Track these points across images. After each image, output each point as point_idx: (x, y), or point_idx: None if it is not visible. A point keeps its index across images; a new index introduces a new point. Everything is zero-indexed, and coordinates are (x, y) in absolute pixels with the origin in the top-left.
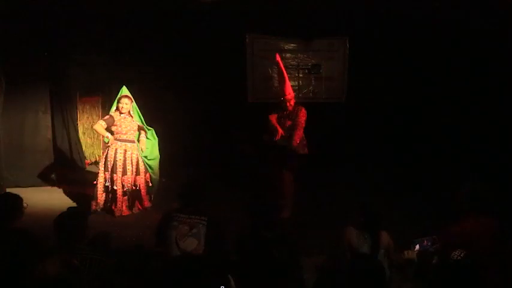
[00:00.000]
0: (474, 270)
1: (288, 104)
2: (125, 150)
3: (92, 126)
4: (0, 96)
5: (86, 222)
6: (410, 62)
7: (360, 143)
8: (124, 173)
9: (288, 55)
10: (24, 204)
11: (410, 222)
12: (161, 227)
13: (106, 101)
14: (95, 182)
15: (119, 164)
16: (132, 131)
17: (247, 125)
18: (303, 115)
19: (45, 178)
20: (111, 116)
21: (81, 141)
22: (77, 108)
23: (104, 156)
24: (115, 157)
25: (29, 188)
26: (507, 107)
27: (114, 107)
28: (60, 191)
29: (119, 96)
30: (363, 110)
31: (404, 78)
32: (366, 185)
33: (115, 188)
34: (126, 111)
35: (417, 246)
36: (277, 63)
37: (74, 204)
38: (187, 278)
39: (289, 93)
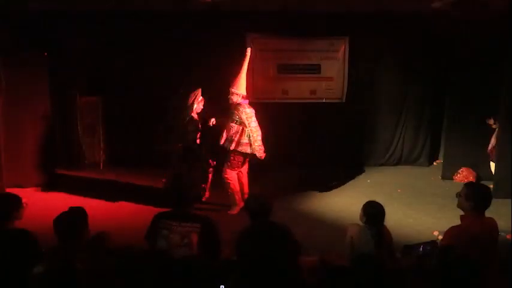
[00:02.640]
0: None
1: (228, 97)
2: None
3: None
4: (0, 96)
5: (86, 222)
6: (411, 61)
7: (359, 142)
8: None
9: (288, 55)
10: (24, 204)
11: (411, 223)
12: (150, 234)
13: (106, 101)
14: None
15: None
16: None
17: None
18: (237, 112)
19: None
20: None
21: (81, 141)
22: (77, 108)
23: None
24: None
25: (29, 188)
26: (507, 107)
27: (193, 108)
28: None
29: (198, 98)
30: (363, 110)
31: (404, 78)
32: (366, 184)
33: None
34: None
35: (417, 248)
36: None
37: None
38: (186, 279)
39: (234, 87)
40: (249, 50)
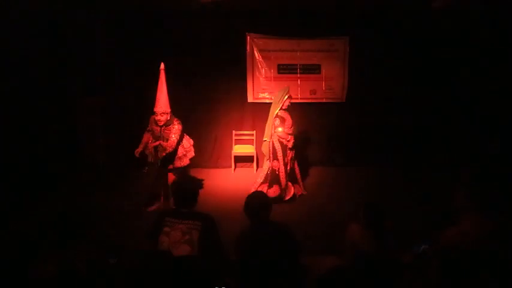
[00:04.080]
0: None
1: (157, 118)
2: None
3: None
4: None
5: (83, 223)
6: (411, 61)
7: (359, 142)
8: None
9: (288, 55)
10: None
11: (410, 223)
12: (152, 232)
13: (106, 100)
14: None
15: (279, 151)
16: None
17: (247, 124)
18: (175, 131)
19: None
20: (280, 116)
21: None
22: (76, 108)
23: (271, 148)
24: (274, 146)
25: None
26: (507, 106)
27: (279, 108)
28: None
29: (287, 95)
30: (363, 110)
31: (404, 78)
32: (367, 185)
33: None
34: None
35: (416, 249)
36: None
37: None
38: (185, 280)
39: (160, 107)
40: (162, 64)
